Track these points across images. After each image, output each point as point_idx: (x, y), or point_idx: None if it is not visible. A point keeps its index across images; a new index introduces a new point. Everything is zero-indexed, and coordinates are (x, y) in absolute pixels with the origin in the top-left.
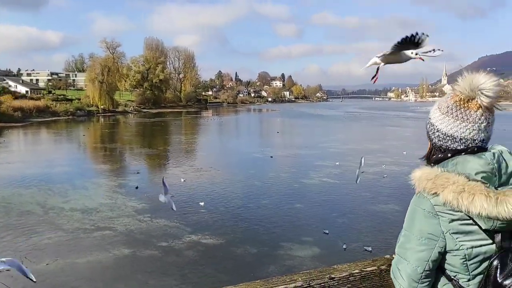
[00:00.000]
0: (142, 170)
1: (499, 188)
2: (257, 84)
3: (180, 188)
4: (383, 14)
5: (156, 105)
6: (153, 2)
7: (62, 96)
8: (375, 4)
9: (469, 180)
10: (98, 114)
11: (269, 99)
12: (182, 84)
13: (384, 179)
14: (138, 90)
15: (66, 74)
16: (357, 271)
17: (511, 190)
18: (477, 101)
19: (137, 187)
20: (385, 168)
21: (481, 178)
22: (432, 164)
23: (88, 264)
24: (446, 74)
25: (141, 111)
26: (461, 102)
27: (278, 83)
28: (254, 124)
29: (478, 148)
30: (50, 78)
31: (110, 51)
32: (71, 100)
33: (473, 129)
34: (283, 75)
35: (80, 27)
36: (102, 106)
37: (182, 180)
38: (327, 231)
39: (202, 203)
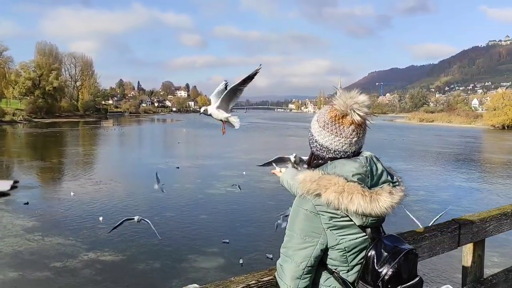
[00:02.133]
0: (33, 184)
1: (371, 188)
2: (161, 93)
3: (76, 203)
4: (281, 29)
5: (49, 115)
6: (44, 6)
7: None
8: (274, 20)
9: (348, 181)
10: None
11: (174, 109)
12: (80, 92)
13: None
14: (28, 98)
15: None
16: (253, 282)
17: (382, 190)
18: (350, 118)
19: (27, 203)
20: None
21: (357, 179)
22: (312, 168)
23: None
24: (341, 86)
25: (32, 120)
26: (336, 118)
27: (182, 93)
28: (158, 135)
29: (353, 154)
30: None
31: None
32: None
33: (345, 143)
34: (187, 85)
35: None
36: None
37: (71, 193)
38: (227, 241)
39: (101, 218)
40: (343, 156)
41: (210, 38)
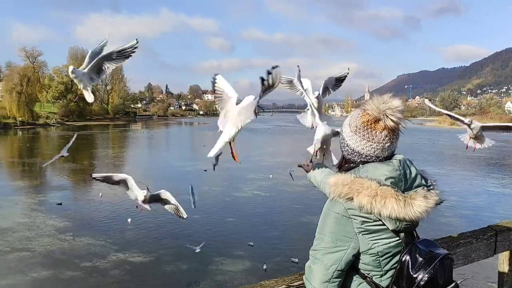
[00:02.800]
0: (65, 185)
1: (405, 192)
2: (189, 97)
3: (105, 204)
4: (307, 32)
5: (81, 118)
6: (76, 13)
7: None
8: (300, 23)
9: (381, 185)
10: (16, 127)
11: (201, 112)
12: (110, 96)
13: (315, 190)
14: (61, 101)
15: None
16: (284, 286)
17: (416, 194)
18: (383, 123)
19: (60, 204)
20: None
21: (390, 183)
22: (344, 172)
23: None
24: (368, 90)
25: (64, 123)
26: (369, 123)
27: (209, 96)
28: (185, 138)
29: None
30: None
31: (30, 60)
32: None
33: (378, 148)
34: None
35: None
36: (20, 119)
37: (100, 195)
38: (252, 244)
39: (129, 220)
40: (375, 160)
41: (236, 42)
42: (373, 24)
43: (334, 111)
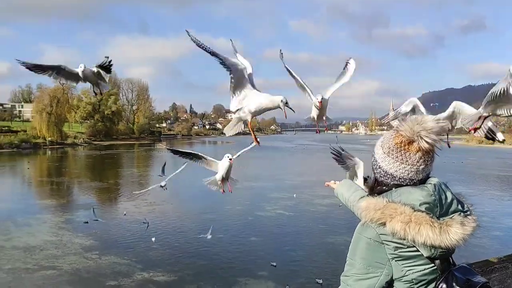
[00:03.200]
0: (91, 204)
1: (440, 218)
2: (212, 116)
3: (130, 223)
4: (332, 51)
5: (107, 137)
6: (103, 35)
7: (6, 128)
8: (323, 42)
9: (415, 211)
10: (45, 147)
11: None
12: (135, 116)
13: (339, 210)
14: (88, 121)
15: (11, 105)
16: None
17: (452, 221)
18: (417, 144)
19: (86, 222)
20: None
21: (425, 208)
22: (376, 195)
23: None
24: (393, 108)
25: (91, 143)
26: (402, 144)
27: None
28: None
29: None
30: None
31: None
32: (16, 131)
33: (412, 171)
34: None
35: (28, 58)
36: (49, 138)
37: (124, 213)
38: (274, 264)
39: (153, 239)
40: (409, 183)
41: (260, 61)
42: (397, 42)
43: (358, 129)
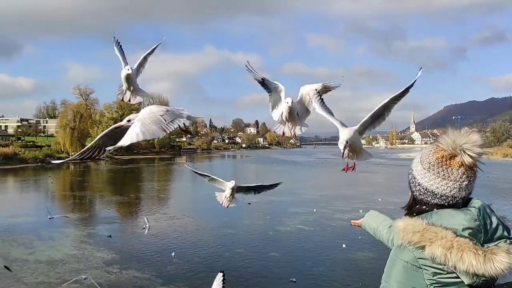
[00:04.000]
0: (113, 218)
1: (484, 245)
2: (231, 130)
3: (151, 237)
4: (349, 65)
5: (129, 152)
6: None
7: (31, 143)
8: (341, 56)
9: (457, 236)
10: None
11: (243, 145)
12: None
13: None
14: None
15: (36, 121)
16: None
17: (498, 248)
18: (459, 159)
19: (110, 236)
20: (362, 213)
21: (468, 234)
22: (414, 215)
23: None
24: (414, 122)
25: (113, 157)
26: (444, 159)
27: (252, 130)
28: (228, 170)
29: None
30: (19, 124)
31: (83, 97)
32: (40, 147)
33: (454, 187)
34: (257, 122)
35: (52, 74)
36: (73, 153)
37: (143, 227)
38: (294, 280)
39: (173, 254)
40: (451, 201)
41: (278, 76)
42: (416, 55)
43: (378, 143)
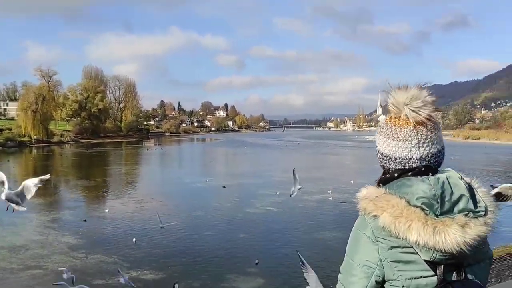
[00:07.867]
0: (78, 203)
1: (440, 216)
2: (200, 113)
3: (118, 221)
4: (317, 48)
5: (94, 135)
6: (90, 31)
7: None
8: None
9: (409, 205)
10: (31, 145)
11: (213, 129)
12: (123, 114)
13: (329, 206)
14: (75, 119)
15: None
16: None
17: (452, 220)
18: (403, 116)
19: (85, 220)
20: (330, 194)
21: (422, 203)
22: (380, 185)
23: None
24: (380, 105)
25: (78, 141)
26: (391, 120)
27: (221, 113)
28: (198, 154)
29: (427, 168)
30: None
31: (46, 79)
32: (1, 130)
33: (405, 147)
34: (226, 105)
35: (12, 55)
36: (35, 137)
37: (106, 210)
38: (257, 261)
39: (140, 237)
40: (407, 164)
41: (247, 59)
42: (382, 39)
43: (346, 125)
